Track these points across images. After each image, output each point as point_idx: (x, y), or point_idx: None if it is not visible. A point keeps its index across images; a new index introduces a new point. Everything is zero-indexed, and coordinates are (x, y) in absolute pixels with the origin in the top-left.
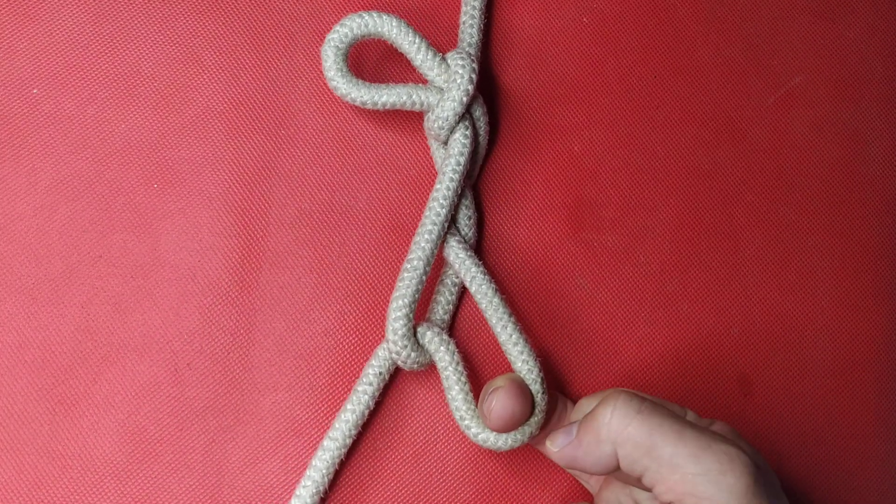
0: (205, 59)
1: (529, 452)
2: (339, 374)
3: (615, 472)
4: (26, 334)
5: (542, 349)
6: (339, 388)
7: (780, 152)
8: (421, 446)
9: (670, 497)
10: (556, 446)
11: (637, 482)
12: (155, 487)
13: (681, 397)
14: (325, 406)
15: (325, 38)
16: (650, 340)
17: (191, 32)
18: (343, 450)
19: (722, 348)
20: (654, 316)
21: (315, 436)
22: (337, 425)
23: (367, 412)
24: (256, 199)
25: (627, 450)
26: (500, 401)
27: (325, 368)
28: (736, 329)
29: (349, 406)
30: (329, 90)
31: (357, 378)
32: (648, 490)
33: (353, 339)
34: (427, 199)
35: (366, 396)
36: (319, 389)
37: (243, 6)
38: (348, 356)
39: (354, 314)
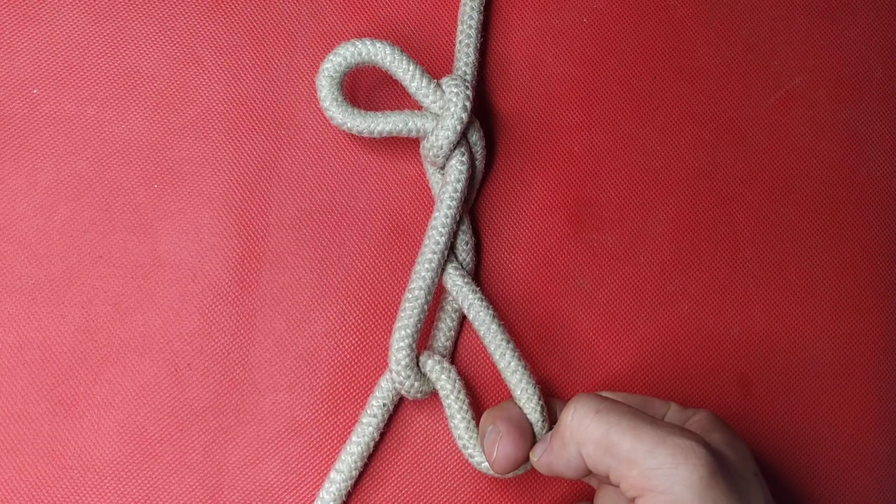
0: (205, 60)
1: None
2: (340, 374)
3: (592, 475)
4: (26, 334)
5: (543, 349)
6: (340, 389)
7: (780, 153)
8: (422, 446)
9: (633, 493)
10: (536, 456)
11: (609, 481)
12: (155, 488)
13: (681, 397)
14: (326, 406)
15: (324, 37)
16: (650, 340)
17: (191, 33)
18: (349, 482)
19: (722, 349)
20: (654, 316)
21: (315, 436)
22: (343, 457)
23: (372, 444)
24: (256, 199)
25: (589, 450)
26: (503, 448)
27: (326, 369)
28: (736, 329)
29: (354, 438)
30: None
31: (357, 378)
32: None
33: (354, 339)
34: (426, 198)
35: (370, 428)
36: (320, 390)
37: (243, 7)
38: (349, 356)
39: (355, 314)
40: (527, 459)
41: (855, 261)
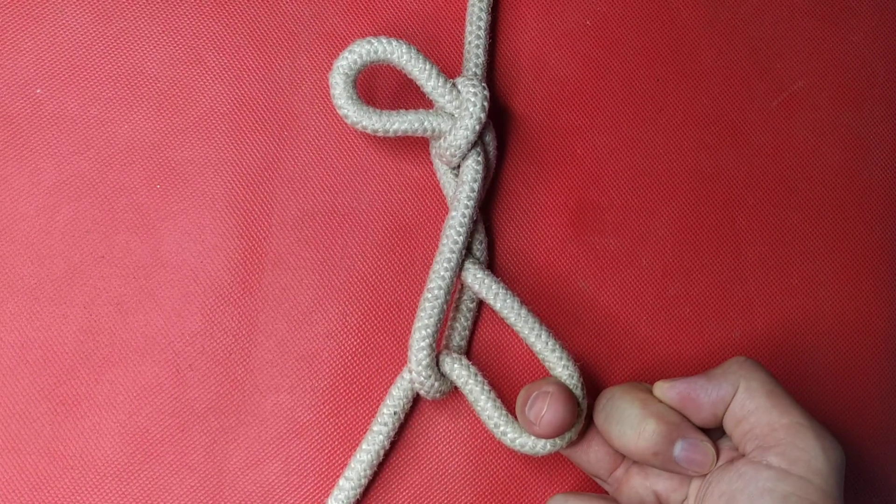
0: (208, 60)
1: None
2: (341, 375)
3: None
4: (28, 334)
5: None
6: (341, 390)
7: (783, 156)
8: (422, 448)
9: (759, 443)
10: (674, 388)
11: (735, 420)
12: (156, 488)
13: None
14: (327, 408)
15: (328, 39)
16: (652, 344)
17: (194, 33)
18: (359, 489)
19: (724, 352)
20: (655, 319)
21: (317, 438)
22: (353, 465)
23: (382, 452)
24: (259, 200)
25: (753, 385)
26: (551, 407)
27: (327, 370)
28: (738, 333)
29: (364, 446)
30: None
31: (359, 379)
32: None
33: (356, 340)
34: (428, 199)
35: (381, 437)
36: (321, 391)
37: (247, 7)
38: (350, 358)
39: (357, 316)
40: (570, 427)
41: (857, 264)
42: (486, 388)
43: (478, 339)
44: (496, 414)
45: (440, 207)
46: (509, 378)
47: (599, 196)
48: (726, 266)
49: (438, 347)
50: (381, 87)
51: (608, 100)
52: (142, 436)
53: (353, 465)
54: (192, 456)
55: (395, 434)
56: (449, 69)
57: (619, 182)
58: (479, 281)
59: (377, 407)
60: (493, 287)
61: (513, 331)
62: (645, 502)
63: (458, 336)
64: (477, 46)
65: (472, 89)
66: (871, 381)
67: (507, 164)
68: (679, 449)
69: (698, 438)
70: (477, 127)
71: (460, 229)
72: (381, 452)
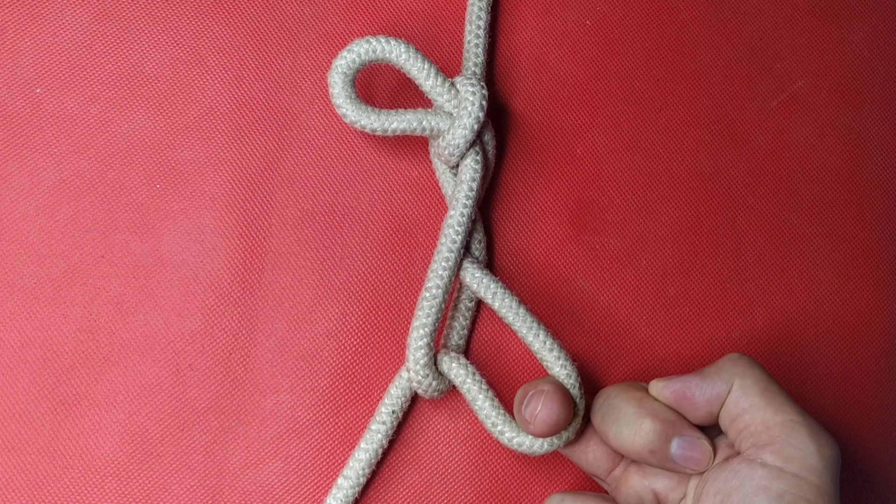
0: (208, 60)
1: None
2: (341, 375)
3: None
4: (28, 334)
5: None
6: (341, 390)
7: (783, 155)
8: (420, 447)
9: (754, 441)
10: (669, 387)
11: (730, 417)
12: (156, 488)
13: None
14: (328, 407)
15: (328, 38)
16: (651, 343)
17: (194, 33)
18: (357, 488)
19: (723, 351)
20: (655, 319)
21: (317, 437)
22: (351, 464)
23: (380, 450)
24: (259, 199)
25: (748, 382)
26: (545, 406)
27: (327, 369)
28: (737, 332)
29: (363, 445)
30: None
31: (359, 379)
32: (729, 431)
33: (355, 340)
34: (428, 199)
35: (379, 435)
36: (321, 390)
37: (247, 7)
38: (350, 357)
39: (357, 315)
40: (565, 427)
41: (857, 263)
42: (484, 387)
43: (476, 338)
44: (494, 413)
45: (439, 207)
46: (507, 377)
47: (599, 196)
48: (726, 265)
49: (437, 346)
50: (380, 87)
51: (608, 100)
52: (141, 435)
53: (351, 464)
54: (192, 455)
55: (394, 433)
56: (448, 68)
57: (619, 182)
58: (477, 280)
59: (377, 406)
60: (492, 286)
61: (511, 330)
62: (644, 501)
63: (457, 335)
64: (476, 46)
65: (470, 88)
66: (870, 379)
67: (506, 163)
68: (675, 447)
69: (694, 436)
70: (475, 126)
71: (459, 228)
72: (380, 451)
